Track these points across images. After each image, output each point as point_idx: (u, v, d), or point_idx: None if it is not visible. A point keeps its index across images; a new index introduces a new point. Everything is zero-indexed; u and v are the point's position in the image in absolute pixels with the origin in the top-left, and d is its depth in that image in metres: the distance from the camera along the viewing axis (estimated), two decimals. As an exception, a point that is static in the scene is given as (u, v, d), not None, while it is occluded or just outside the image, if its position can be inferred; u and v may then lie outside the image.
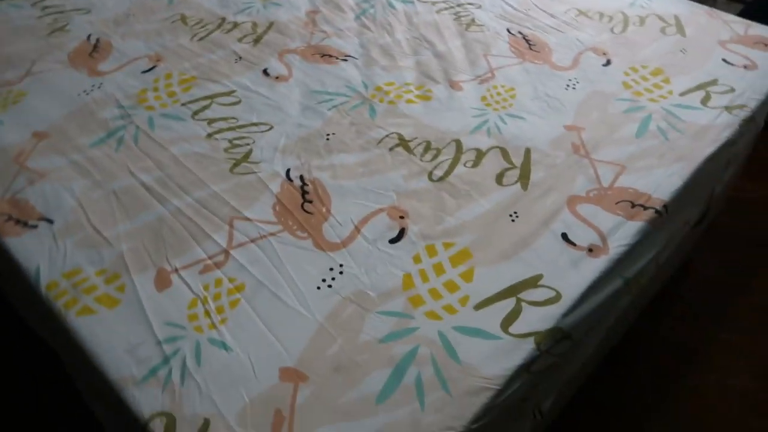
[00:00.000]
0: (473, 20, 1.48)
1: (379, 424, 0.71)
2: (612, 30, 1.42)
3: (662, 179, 1.02)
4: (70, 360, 0.92)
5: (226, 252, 0.92)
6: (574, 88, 1.25)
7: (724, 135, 1.11)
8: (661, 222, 0.99)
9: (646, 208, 0.97)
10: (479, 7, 1.53)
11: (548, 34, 1.42)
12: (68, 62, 1.34)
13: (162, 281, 0.88)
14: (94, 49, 1.39)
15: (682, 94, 1.21)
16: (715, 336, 1.48)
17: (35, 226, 0.96)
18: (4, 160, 1.09)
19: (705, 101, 1.19)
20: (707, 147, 1.08)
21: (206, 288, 0.87)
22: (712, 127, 1.13)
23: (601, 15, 1.47)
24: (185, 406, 0.73)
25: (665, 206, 0.99)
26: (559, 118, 1.17)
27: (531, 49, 1.37)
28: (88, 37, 1.43)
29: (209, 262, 0.90)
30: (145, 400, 0.74)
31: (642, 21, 1.45)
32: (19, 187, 1.04)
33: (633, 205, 0.98)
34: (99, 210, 0.99)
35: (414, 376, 0.76)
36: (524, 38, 1.41)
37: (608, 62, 1.32)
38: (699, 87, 1.23)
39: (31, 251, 0.92)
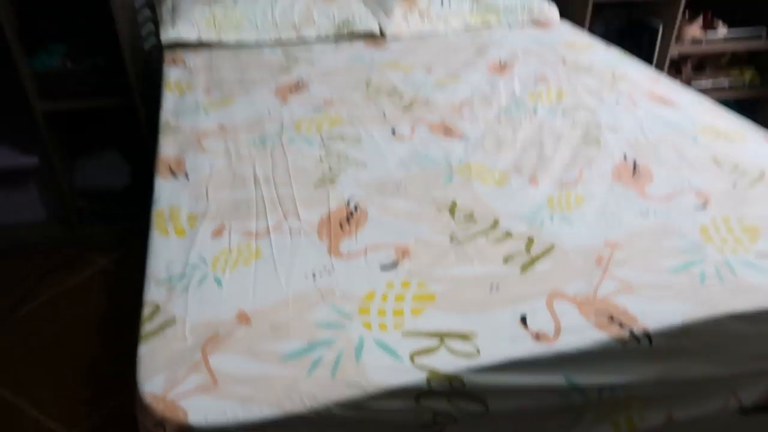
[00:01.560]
0: (598, 139, 1.56)
1: (269, 371, 0.89)
2: (735, 184, 1.37)
3: (662, 312, 1.00)
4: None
5: (268, 231, 1.20)
6: (645, 217, 1.26)
7: (774, 301, 1.03)
8: (637, 351, 0.97)
9: (622, 326, 0.97)
10: (615, 131, 1.61)
11: (662, 167, 1.43)
12: (274, 92, 1.82)
13: (217, 232, 1.19)
14: (296, 87, 1.85)
15: (759, 255, 1.14)
16: None
17: (177, 177, 1.38)
18: (192, 136, 1.55)
19: (780, 268, 1.10)
20: (741, 303, 1.02)
21: (238, 247, 1.15)
22: (764, 288, 1.05)
23: (735, 167, 1.43)
24: (169, 304, 1.01)
25: (648, 336, 0.97)
26: (607, 232, 1.20)
27: (633, 176, 1.41)
28: (298, 79, 1.90)
29: (253, 231, 1.20)
30: (155, 292, 1.04)
31: (779, 184, 1.36)
32: (191, 154, 1.47)
33: (611, 319, 0.99)
34: (218, 181, 1.37)
35: (318, 355, 0.92)
36: (634, 165, 1.45)
37: (703, 206, 1.29)
38: (785, 255, 1.13)
39: (164, 190, 1.33)
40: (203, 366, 0.91)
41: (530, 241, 1.18)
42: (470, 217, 1.25)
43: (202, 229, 1.20)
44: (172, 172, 1.40)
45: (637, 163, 1.46)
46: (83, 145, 2.44)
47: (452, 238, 1.19)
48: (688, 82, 2.90)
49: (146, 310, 1.01)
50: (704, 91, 2.89)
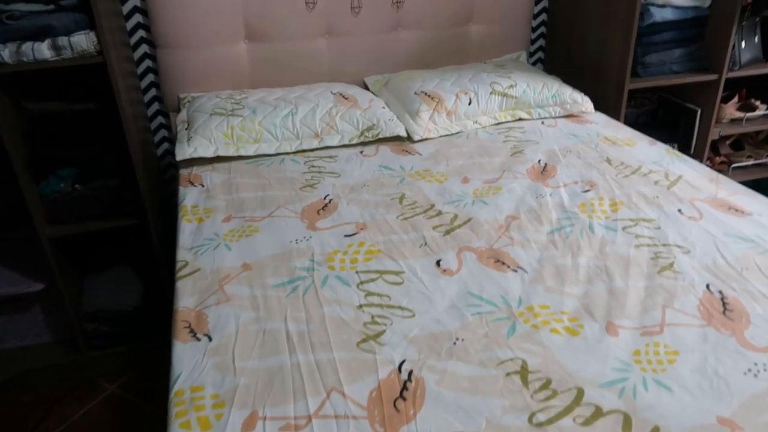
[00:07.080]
0: (672, 264, 1.38)
1: None
2: None
3: None
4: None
5: (309, 418, 1.00)
6: (755, 376, 1.06)
7: None
8: None
9: None
10: (687, 252, 1.43)
11: (755, 302, 1.24)
12: (300, 214, 1.66)
13: (249, 424, 1.00)
14: (323, 208, 1.70)
15: None
16: None
17: (199, 339, 1.20)
18: (213, 280, 1.38)
19: None
20: None
21: (276, 444, 0.96)
22: None
23: (841, 298, 1.23)
24: None
25: None
26: (715, 405, 1.00)
27: (724, 313, 1.21)
28: (325, 197, 1.75)
29: (292, 422, 1.00)
30: None
31: None
32: (209, 303, 1.30)
33: None
34: (246, 342, 1.18)
35: None
36: (722, 299, 1.26)
37: (821, 358, 1.09)
38: None
39: (184, 358, 1.14)
40: None
41: (627, 422, 0.97)
42: (547, 386, 1.05)
43: (232, 421, 1.00)
44: (193, 333, 1.22)
45: (725, 296, 1.26)
46: (94, 263, 2.29)
47: (531, 419, 0.99)
48: (729, 162, 2.75)
49: None
50: (746, 169, 2.75)
